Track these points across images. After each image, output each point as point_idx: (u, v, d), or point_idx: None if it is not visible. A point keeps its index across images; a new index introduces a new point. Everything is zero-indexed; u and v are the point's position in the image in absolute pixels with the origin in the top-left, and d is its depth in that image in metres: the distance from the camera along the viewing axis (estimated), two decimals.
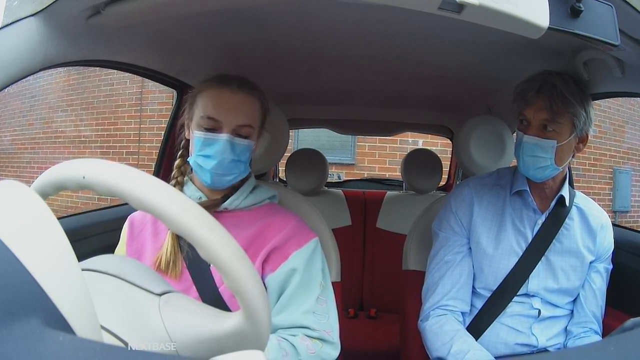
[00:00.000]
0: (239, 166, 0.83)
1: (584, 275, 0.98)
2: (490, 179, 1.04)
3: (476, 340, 0.94)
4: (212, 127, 0.81)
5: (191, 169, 0.91)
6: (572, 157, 0.95)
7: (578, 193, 1.04)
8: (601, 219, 1.01)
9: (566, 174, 0.99)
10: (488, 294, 0.97)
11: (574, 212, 1.00)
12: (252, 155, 0.92)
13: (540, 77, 0.91)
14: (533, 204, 0.98)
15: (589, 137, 0.95)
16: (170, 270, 0.81)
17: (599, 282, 0.99)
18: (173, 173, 0.90)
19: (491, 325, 0.96)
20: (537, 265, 0.95)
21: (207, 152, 0.80)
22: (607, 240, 1.00)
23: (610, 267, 1.01)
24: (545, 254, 0.96)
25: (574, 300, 1.00)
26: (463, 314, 0.98)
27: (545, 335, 0.96)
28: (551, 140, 0.89)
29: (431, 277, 1.00)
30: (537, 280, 0.96)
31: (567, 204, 0.97)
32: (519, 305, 0.96)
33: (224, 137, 0.80)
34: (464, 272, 0.98)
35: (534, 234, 0.97)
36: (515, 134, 0.97)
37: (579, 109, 0.89)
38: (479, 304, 0.98)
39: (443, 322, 0.94)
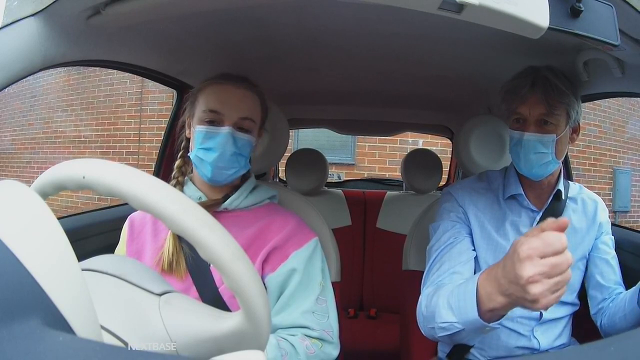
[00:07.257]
0: (239, 160, 0.83)
1: (584, 264, 0.98)
2: (481, 184, 1.02)
3: (476, 342, 0.93)
4: (214, 120, 0.82)
5: (191, 169, 0.91)
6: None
7: (571, 184, 1.04)
8: (593, 197, 1.03)
9: (561, 168, 0.99)
10: None
11: (569, 203, 1.00)
12: (252, 155, 0.92)
13: (530, 72, 0.90)
14: (530, 206, 0.97)
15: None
16: (174, 271, 0.80)
17: (609, 250, 0.99)
18: (173, 173, 0.90)
19: None
20: None
21: (208, 144, 0.80)
22: (603, 215, 1.01)
23: (613, 239, 1.01)
24: None
25: (589, 288, 0.98)
26: None
27: (547, 338, 0.95)
28: (551, 135, 0.89)
29: (432, 260, 0.91)
30: None
31: (563, 197, 0.98)
32: (520, 308, 0.95)
33: (225, 129, 0.81)
34: (468, 252, 0.91)
35: None
36: (509, 135, 0.95)
37: (572, 98, 0.90)
38: None
39: (439, 286, 0.84)
